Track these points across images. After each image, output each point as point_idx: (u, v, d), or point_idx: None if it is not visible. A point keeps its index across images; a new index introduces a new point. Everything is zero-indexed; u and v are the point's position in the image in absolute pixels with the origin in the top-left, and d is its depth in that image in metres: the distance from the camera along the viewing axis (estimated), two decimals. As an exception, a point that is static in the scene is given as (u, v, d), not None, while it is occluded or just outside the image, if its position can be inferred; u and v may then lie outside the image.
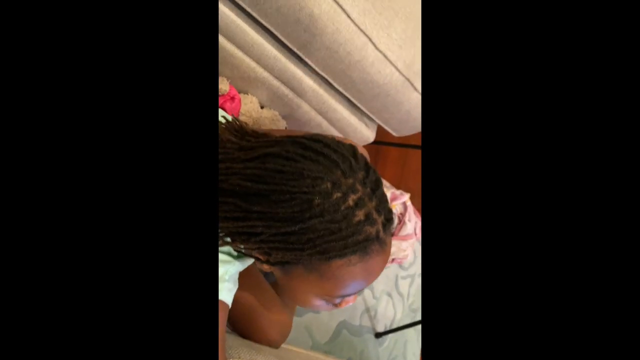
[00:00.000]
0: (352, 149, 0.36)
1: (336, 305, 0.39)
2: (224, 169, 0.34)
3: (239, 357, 0.40)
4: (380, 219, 0.34)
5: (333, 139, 0.36)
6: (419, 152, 1.42)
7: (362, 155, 0.36)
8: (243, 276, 0.46)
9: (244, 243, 0.34)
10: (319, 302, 0.37)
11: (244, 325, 0.53)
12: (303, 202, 0.31)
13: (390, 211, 0.36)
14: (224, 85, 0.72)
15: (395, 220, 1.23)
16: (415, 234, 1.22)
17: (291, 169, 0.32)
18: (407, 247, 1.19)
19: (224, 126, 0.42)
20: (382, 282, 1.14)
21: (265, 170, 0.32)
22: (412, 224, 1.21)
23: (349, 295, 0.36)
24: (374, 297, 1.11)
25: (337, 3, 0.57)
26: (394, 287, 1.18)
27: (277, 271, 0.37)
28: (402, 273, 1.21)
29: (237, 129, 0.40)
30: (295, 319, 0.88)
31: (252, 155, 0.34)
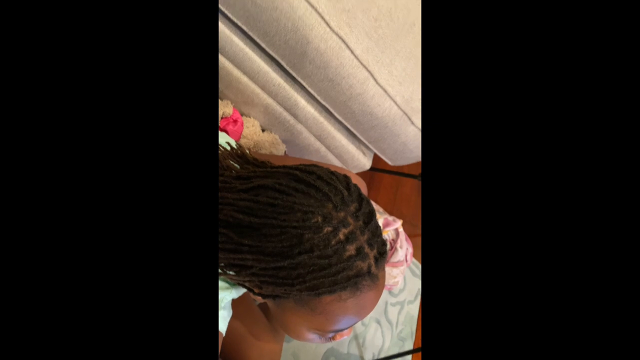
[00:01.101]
0: (346, 180, 0.36)
1: (330, 339, 0.39)
2: (220, 198, 0.34)
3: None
4: (372, 253, 0.33)
5: (327, 170, 0.36)
6: (412, 180, 1.45)
7: (355, 186, 0.36)
8: (235, 303, 0.45)
9: (236, 275, 0.34)
10: (311, 336, 0.37)
11: (233, 355, 0.52)
12: (293, 237, 0.31)
13: (383, 244, 0.35)
14: (227, 109, 0.74)
15: (388, 247, 1.24)
16: (407, 261, 1.23)
17: (282, 202, 0.32)
18: (398, 274, 1.19)
19: (226, 152, 0.43)
20: (371, 309, 1.13)
21: (257, 203, 0.33)
22: (404, 250, 1.22)
23: (341, 330, 0.36)
24: (362, 324, 1.10)
25: (343, 40, 0.61)
26: (382, 314, 1.17)
27: (269, 303, 0.37)
28: (392, 300, 1.21)
29: (240, 155, 0.41)
30: (284, 346, 0.86)
31: (247, 185, 0.35)
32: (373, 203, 1.32)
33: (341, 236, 0.32)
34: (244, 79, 0.71)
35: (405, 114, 0.71)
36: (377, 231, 0.35)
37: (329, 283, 0.31)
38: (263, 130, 0.84)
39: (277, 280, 0.32)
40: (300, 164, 0.37)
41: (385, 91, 0.68)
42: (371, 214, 0.35)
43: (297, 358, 0.92)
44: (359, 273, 0.32)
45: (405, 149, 0.79)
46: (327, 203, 0.32)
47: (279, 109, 0.77)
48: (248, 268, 0.33)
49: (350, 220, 0.33)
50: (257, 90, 0.73)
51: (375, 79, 0.66)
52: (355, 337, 1.07)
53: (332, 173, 0.36)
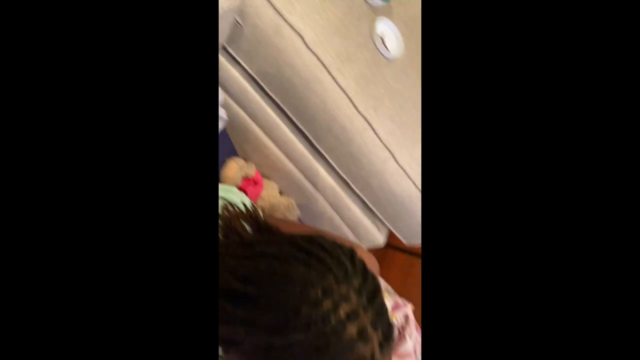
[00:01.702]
0: (351, 253, 0.33)
1: None
2: (221, 264, 0.33)
3: None
4: (376, 336, 0.30)
5: (332, 241, 0.34)
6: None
7: (360, 260, 0.33)
8: None
9: (225, 352, 0.31)
10: None
11: None
12: (289, 310, 0.29)
13: (390, 326, 0.32)
14: (251, 171, 0.77)
15: (396, 333, 1.13)
16: (415, 354, 1.10)
17: (282, 272, 0.30)
18: (405, 367, 1.06)
19: (240, 213, 0.43)
20: (372, 408, 0.98)
21: (256, 271, 0.31)
22: (413, 340, 1.10)
23: None
24: None
25: (368, 122, 0.65)
26: (385, 416, 1.01)
27: None
28: (396, 399, 1.06)
29: (252, 217, 0.41)
30: None
31: (249, 252, 0.33)
32: (383, 282, 1.25)
33: (342, 313, 0.29)
34: (271, 144, 0.75)
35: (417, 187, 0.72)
36: (382, 311, 0.32)
37: None
38: (281, 194, 0.85)
39: None
40: (307, 234, 0.36)
41: (405, 171, 0.69)
42: (376, 291, 0.32)
43: None
44: (360, 359, 0.29)
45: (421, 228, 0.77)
46: (328, 275, 0.30)
47: (299, 175, 0.79)
48: (238, 344, 0.30)
49: (353, 295, 0.30)
50: (281, 156, 0.77)
51: (395, 159, 0.68)
52: None
53: (337, 244, 0.34)
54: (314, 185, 0.80)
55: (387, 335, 0.31)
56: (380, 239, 0.85)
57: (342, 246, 0.34)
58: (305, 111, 0.66)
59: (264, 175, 0.83)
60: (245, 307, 0.30)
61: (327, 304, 0.29)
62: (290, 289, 0.29)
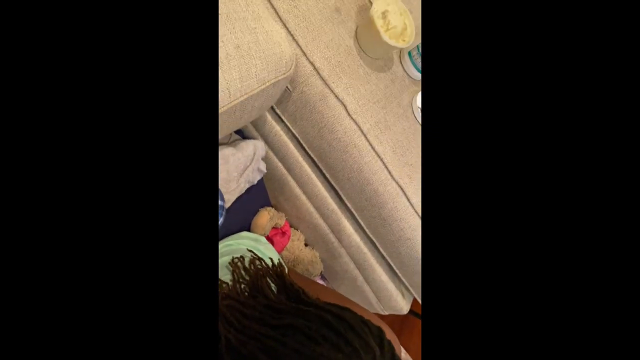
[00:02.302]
0: (380, 335, 0.33)
1: None
2: (248, 327, 0.33)
3: None
4: None
5: (360, 319, 0.34)
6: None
7: (389, 344, 0.33)
8: None
9: None
10: None
11: None
12: None
13: None
14: (281, 221, 0.78)
15: (411, 412, 1.02)
16: None
17: (309, 351, 0.30)
18: None
19: (266, 269, 0.43)
20: None
21: (283, 345, 0.31)
22: None
23: None
24: None
25: (401, 188, 0.65)
26: None
27: None
28: None
29: (278, 275, 0.41)
30: None
31: (277, 322, 0.33)
32: (403, 352, 1.17)
33: None
34: (303, 197, 0.77)
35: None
36: None
37: None
38: (306, 245, 0.85)
39: None
40: (334, 305, 0.35)
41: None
42: None
43: None
44: None
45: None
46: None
47: (327, 229, 0.79)
48: None
49: None
50: (312, 209, 0.78)
51: (426, 228, 0.67)
52: None
53: (365, 324, 0.33)
54: (340, 241, 0.79)
55: None
56: (404, 306, 0.81)
57: (371, 325, 0.34)
58: (340, 171, 0.67)
59: (292, 226, 0.85)
60: None
61: None
62: None
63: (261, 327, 0.33)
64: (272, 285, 0.41)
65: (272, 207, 0.79)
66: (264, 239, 0.66)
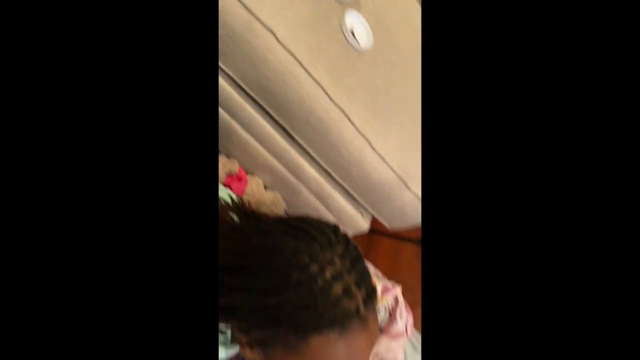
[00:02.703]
0: (334, 226, 0.37)
1: None
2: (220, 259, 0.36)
3: None
4: (360, 294, 0.33)
5: (317, 219, 0.38)
6: (411, 245, 1.43)
7: (343, 233, 0.37)
8: None
9: (224, 321, 0.34)
10: None
11: None
12: (280, 275, 0.32)
13: (373, 289, 0.35)
14: (233, 167, 0.79)
15: (387, 316, 1.17)
16: (407, 333, 1.15)
17: (272, 243, 0.34)
18: (397, 347, 1.11)
19: (227, 205, 0.45)
20: (368, 388, 1.02)
21: (249, 246, 0.34)
22: (403, 321, 1.15)
23: None
24: (358, 406, 0.98)
25: (343, 112, 0.67)
26: (381, 395, 1.05)
27: (259, 355, 0.36)
28: (391, 379, 1.10)
29: (239, 208, 0.44)
30: None
31: (241, 235, 0.37)
32: (372, 267, 1.29)
33: (327, 275, 0.32)
34: (252, 140, 0.77)
35: (402, 179, 0.75)
36: (364, 274, 0.35)
37: (315, 322, 0.31)
38: (266, 188, 0.87)
39: (264, 321, 0.32)
40: (296, 217, 0.39)
41: (382, 158, 0.72)
42: (358, 257, 0.36)
43: None
44: (346, 313, 0.32)
45: (402, 213, 0.81)
46: (314, 244, 0.34)
47: (282, 169, 0.81)
48: (236, 310, 0.33)
49: (337, 260, 0.33)
50: (263, 151, 0.79)
51: (372, 147, 0.71)
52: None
53: (321, 220, 0.38)
54: (297, 177, 0.82)
55: (370, 294, 0.35)
56: (364, 225, 0.88)
57: (326, 221, 0.38)
58: (282, 105, 0.68)
59: (247, 172, 0.85)
60: (241, 277, 0.33)
61: (313, 268, 0.32)
62: (280, 258, 0.33)
63: (228, 242, 0.36)
64: (236, 218, 0.43)
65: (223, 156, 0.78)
66: (220, 185, 0.66)
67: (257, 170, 0.85)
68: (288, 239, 0.34)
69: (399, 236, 1.12)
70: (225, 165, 0.74)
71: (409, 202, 0.78)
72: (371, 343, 0.35)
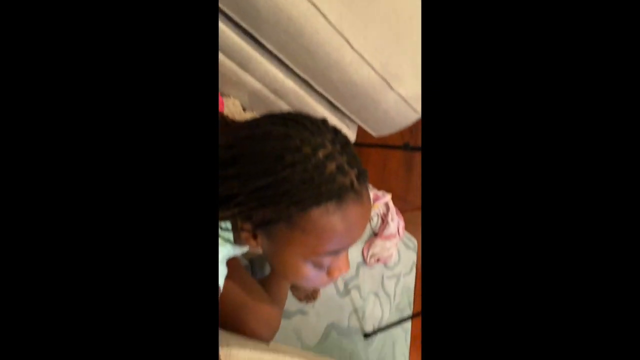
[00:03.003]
0: (322, 118, 0.38)
1: (329, 275, 0.40)
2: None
3: (228, 345, 0.40)
4: (352, 172, 0.35)
5: (304, 112, 0.38)
6: (398, 154, 1.46)
7: (331, 123, 0.38)
8: (230, 275, 0.46)
9: (224, 211, 0.35)
10: (308, 269, 0.38)
11: (231, 322, 0.53)
12: (274, 158, 0.33)
13: (364, 170, 0.37)
14: (236, 108, 0.73)
15: (379, 222, 1.25)
16: (399, 234, 1.25)
17: (260, 132, 0.34)
18: (391, 246, 1.21)
19: None
20: (368, 283, 1.15)
21: (237, 138, 0.35)
22: (395, 223, 1.24)
23: (334, 252, 0.37)
24: (361, 297, 1.11)
25: (315, 5, 0.60)
26: (380, 287, 1.19)
27: (263, 241, 0.38)
28: (388, 273, 1.23)
29: (221, 121, 0.42)
30: (284, 322, 0.87)
31: (228, 132, 0.37)
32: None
33: (320, 155, 0.33)
34: (221, 57, 0.70)
35: (384, 79, 0.72)
36: (355, 157, 0.37)
37: (314, 195, 0.33)
38: (244, 110, 0.83)
39: (264, 201, 0.33)
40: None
41: (362, 57, 0.68)
42: (348, 143, 0.37)
43: (299, 334, 0.93)
44: (342, 186, 0.34)
45: (387, 117, 0.80)
46: (303, 130, 0.34)
47: (258, 85, 0.76)
48: (235, 197, 0.34)
49: (328, 144, 0.35)
50: (235, 67, 0.73)
51: (351, 45, 0.66)
52: (355, 311, 1.09)
53: (308, 113, 0.38)
54: (276, 92, 0.78)
55: (362, 172, 0.37)
56: (350, 135, 0.88)
57: (314, 116, 0.37)
58: (246, 6, 0.60)
59: (222, 94, 0.80)
60: (235, 167, 0.33)
61: (306, 149, 0.33)
62: (271, 143, 0.33)
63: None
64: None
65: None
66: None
67: (232, 90, 0.79)
68: (277, 127, 0.34)
69: (385, 145, 1.13)
70: (226, 107, 0.69)
71: (393, 104, 0.76)
72: (366, 216, 0.37)
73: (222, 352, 0.39)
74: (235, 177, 0.34)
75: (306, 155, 0.33)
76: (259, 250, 0.40)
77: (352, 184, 0.35)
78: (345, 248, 0.38)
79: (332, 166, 0.34)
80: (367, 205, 0.37)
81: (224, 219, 0.36)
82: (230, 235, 0.42)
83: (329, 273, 0.40)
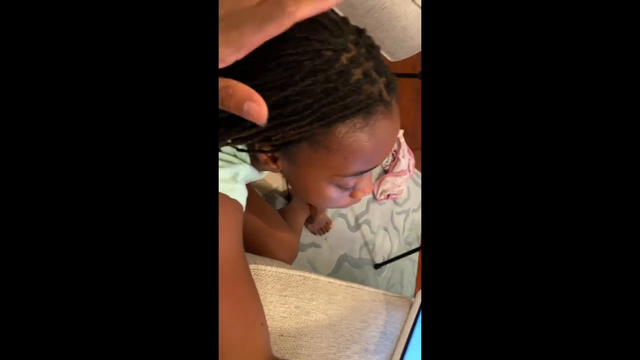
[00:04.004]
0: (342, 16, 0.31)
1: (352, 196, 0.38)
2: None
3: (255, 262, 0.40)
4: (381, 80, 0.30)
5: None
6: (410, 92, 1.38)
7: (353, 24, 0.32)
8: (248, 203, 0.44)
9: (241, 133, 0.31)
10: (332, 191, 0.36)
11: (252, 247, 0.53)
12: (291, 65, 0.28)
13: (393, 78, 0.32)
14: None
15: (390, 158, 1.23)
16: (409, 171, 1.24)
17: (268, 42, 0.28)
18: (402, 182, 1.21)
19: None
20: (378, 218, 1.17)
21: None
22: (406, 160, 1.22)
23: (360, 173, 0.34)
24: (371, 231, 1.14)
25: None
26: (389, 222, 1.21)
27: (283, 164, 0.35)
28: (397, 209, 1.25)
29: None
30: (299, 254, 0.91)
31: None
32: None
33: (344, 60, 0.29)
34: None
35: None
36: (382, 63, 0.32)
37: (339, 109, 0.29)
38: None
39: (284, 119, 0.29)
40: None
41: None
42: (373, 46, 0.31)
43: (313, 264, 0.97)
44: (369, 97, 0.30)
45: (406, 35, 0.72)
46: (322, 30, 0.29)
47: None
48: None
49: (351, 46, 0.29)
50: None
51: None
52: (366, 244, 1.12)
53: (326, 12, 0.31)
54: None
55: (391, 81, 0.31)
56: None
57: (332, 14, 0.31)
58: None
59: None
60: (246, 78, 0.28)
61: (327, 53, 0.28)
62: (284, 46, 0.28)
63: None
64: None
65: None
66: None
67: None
68: (289, 32, 0.28)
69: (399, 73, 1.05)
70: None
71: (413, 20, 0.69)
72: (395, 132, 0.34)
73: (251, 267, 0.39)
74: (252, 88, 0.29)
75: (328, 60, 0.28)
76: (279, 174, 0.37)
77: (380, 94, 0.30)
78: (372, 168, 0.35)
79: (357, 73, 0.29)
80: (396, 120, 0.33)
81: (240, 141, 0.32)
82: (246, 157, 0.39)
83: (353, 194, 0.38)
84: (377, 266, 1.12)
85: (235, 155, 0.38)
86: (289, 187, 0.73)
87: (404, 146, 1.23)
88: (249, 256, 0.42)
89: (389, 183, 1.18)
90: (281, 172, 0.37)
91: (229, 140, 0.32)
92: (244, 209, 0.37)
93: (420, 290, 0.59)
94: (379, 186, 1.17)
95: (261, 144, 0.33)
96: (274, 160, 0.35)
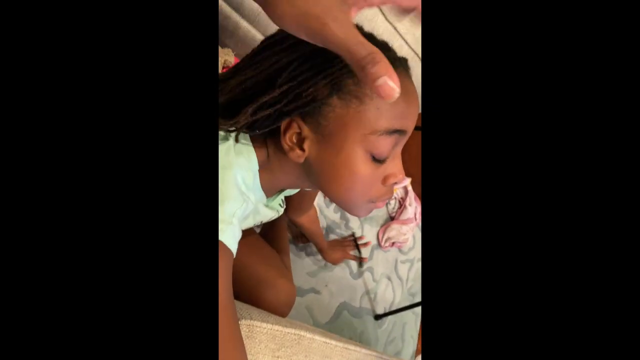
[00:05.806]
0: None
1: (384, 182, 0.35)
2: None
3: (251, 318, 0.39)
4: (394, 51, 0.33)
5: None
6: (418, 140, 1.42)
7: None
8: (246, 246, 0.44)
9: (256, 114, 0.31)
10: (367, 165, 0.33)
11: (248, 297, 0.53)
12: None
13: (403, 57, 0.35)
14: (229, 57, 0.70)
15: (397, 205, 1.23)
16: (415, 219, 1.23)
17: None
18: (407, 231, 1.20)
19: None
20: (382, 266, 1.14)
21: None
22: (413, 208, 1.21)
23: (394, 132, 0.32)
24: (374, 279, 1.11)
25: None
26: (393, 270, 1.18)
27: (311, 145, 0.34)
28: (402, 257, 1.22)
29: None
30: (297, 299, 0.88)
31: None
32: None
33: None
34: (244, 23, 0.67)
35: (417, 54, 0.68)
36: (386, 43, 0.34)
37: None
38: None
39: (314, 70, 0.30)
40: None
41: (395, 29, 0.64)
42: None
43: (311, 311, 0.94)
44: (392, 58, 0.31)
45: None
46: None
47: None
48: (270, 87, 0.31)
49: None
50: (258, 35, 0.69)
51: (384, 15, 0.62)
52: (367, 292, 1.09)
53: None
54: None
55: (403, 59, 0.34)
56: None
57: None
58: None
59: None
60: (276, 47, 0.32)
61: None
62: None
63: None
64: None
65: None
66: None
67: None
68: None
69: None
70: (220, 56, 0.66)
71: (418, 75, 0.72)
72: (416, 102, 0.34)
73: (245, 323, 0.39)
74: (275, 54, 0.31)
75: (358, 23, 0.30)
76: (300, 161, 0.35)
77: (399, 60, 0.33)
78: (402, 131, 0.33)
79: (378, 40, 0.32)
80: (415, 93, 0.33)
81: (268, 107, 0.31)
82: (258, 188, 0.38)
83: (385, 180, 0.36)
84: (377, 317, 1.08)
85: (242, 190, 0.35)
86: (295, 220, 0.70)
87: (411, 194, 1.24)
88: (245, 308, 0.42)
89: (394, 230, 1.17)
90: (304, 163, 0.35)
91: (257, 117, 0.32)
92: (234, 255, 0.32)
93: (420, 356, 0.55)
94: (384, 233, 1.16)
95: (287, 124, 0.33)
96: (301, 143, 0.34)
